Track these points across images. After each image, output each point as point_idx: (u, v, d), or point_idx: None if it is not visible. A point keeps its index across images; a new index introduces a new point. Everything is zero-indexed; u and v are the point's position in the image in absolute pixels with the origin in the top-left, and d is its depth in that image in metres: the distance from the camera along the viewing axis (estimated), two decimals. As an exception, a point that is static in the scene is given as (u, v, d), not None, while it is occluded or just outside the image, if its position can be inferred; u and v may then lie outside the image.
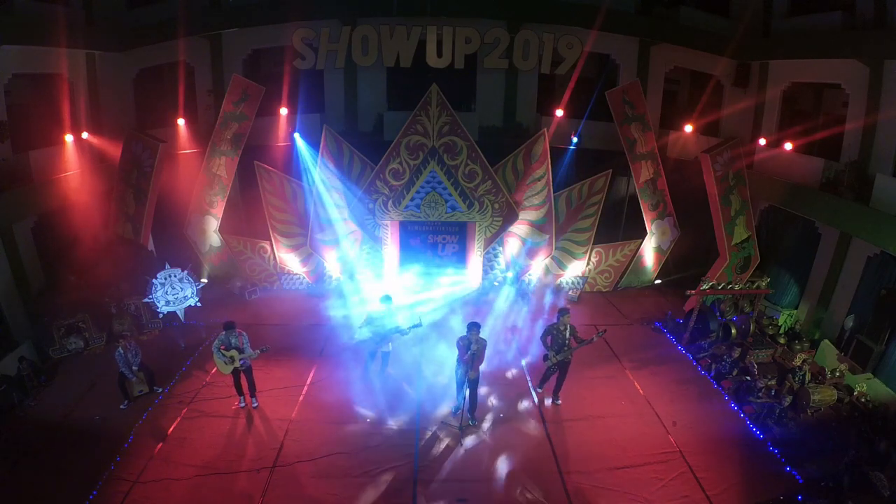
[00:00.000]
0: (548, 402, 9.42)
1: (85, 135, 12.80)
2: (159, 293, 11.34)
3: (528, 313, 12.76)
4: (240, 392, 9.13)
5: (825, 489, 7.39)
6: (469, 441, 8.42)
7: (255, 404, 9.20)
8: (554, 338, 8.92)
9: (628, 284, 14.47)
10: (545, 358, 9.06)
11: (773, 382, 9.72)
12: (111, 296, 11.71)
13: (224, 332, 8.93)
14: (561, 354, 8.89)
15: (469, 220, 13.24)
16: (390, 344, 9.70)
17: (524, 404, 9.45)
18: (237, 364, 8.91)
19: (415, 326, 9.60)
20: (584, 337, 9.01)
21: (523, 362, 10.71)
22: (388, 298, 9.66)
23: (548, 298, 13.53)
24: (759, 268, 13.55)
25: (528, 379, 10.08)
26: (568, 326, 8.91)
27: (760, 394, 9.43)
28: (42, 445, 8.18)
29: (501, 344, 11.21)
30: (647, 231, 13.85)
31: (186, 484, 7.48)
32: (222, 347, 8.89)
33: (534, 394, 9.52)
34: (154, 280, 11.32)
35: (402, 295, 13.13)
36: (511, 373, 10.39)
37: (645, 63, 14.39)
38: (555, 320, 9.06)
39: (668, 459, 8.10)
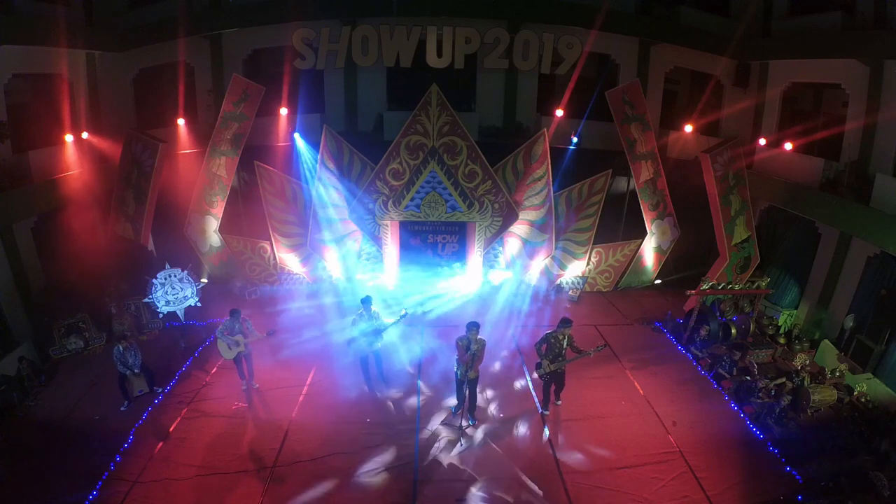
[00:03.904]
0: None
1: (85, 135, 12.80)
2: (159, 293, 11.37)
3: (528, 313, 12.76)
4: (241, 376, 9.64)
5: (825, 489, 7.39)
6: (469, 441, 8.41)
7: (255, 385, 9.70)
8: (550, 346, 8.76)
9: (628, 284, 14.47)
10: (537, 367, 8.91)
11: (772, 383, 9.71)
12: (111, 296, 11.71)
13: (229, 319, 9.26)
14: (555, 364, 8.72)
15: (469, 220, 13.24)
16: (379, 343, 9.64)
17: (524, 404, 9.44)
18: (242, 348, 9.28)
19: (402, 317, 9.54)
20: (582, 348, 8.83)
21: (520, 356, 10.73)
22: (367, 300, 9.55)
23: (547, 298, 13.56)
24: (759, 268, 13.55)
25: (530, 381, 10.08)
26: (567, 337, 8.74)
27: (760, 394, 9.43)
28: (42, 445, 8.19)
29: (501, 344, 11.20)
30: (647, 231, 13.85)
31: (186, 484, 7.48)
32: (226, 332, 9.17)
33: (538, 405, 9.35)
34: (154, 280, 11.35)
35: (402, 295, 13.21)
36: (510, 373, 10.38)
37: (645, 63, 14.38)
38: (555, 329, 8.88)
39: (668, 459, 8.10)
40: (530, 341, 11.14)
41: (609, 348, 10.82)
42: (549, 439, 8.52)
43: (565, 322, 8.76)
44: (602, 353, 9.30)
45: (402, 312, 9.57)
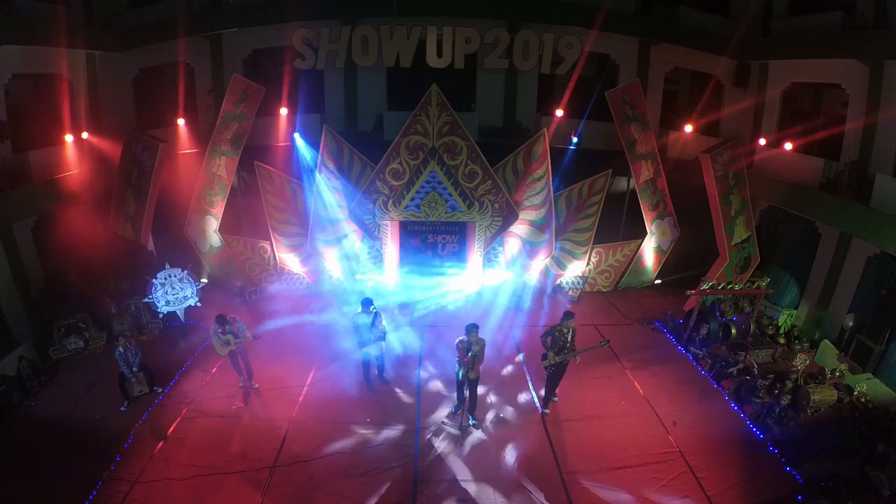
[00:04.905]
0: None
1: (85, 135, 12.81)
2: (159, 293, 11.37)
3: (528, 313, 12.76)
4: (239, 373, 9.71)
5: (825, 489, 7.39)
6: (469, 441, 8.42)
7: (255, 385, 9.74)
8: (555, 339, 8.84)
9: (628, 284, 14.47)
10: (543, 357, 9.00)
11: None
12: (111, 296, 11.71)
13: (216, 323, 9.33)
14: (560, 356, 8.82)
15: (469, 220, 13.23)
16: (383, 344, 9.66)
17: (524, 404, 9.45)
18: (233, 346, 9.36)
19: (379, 339, 9.56)
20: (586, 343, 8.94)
21: (519, 356, 10.73)
22: (368, 303, 9.56)
23: (547, 298, 13.56)
24: (759, 268, 13.55)
25: (530, 381, 10.08)
26: (571, 330, 8.84)
27: (761, 393, 9.43)
28: (42, 445, 8.18)
29: (501, 344, 11.20)
30: (647, 231, 13.84)
31: (186, 484, 7.48)
32: (219, 331, 9.26)
33: (538, 405, 9.36)
34: (154, 280, 11.35)
35: (402, 295, 13.20)
36: (510, 372, 10.39)
37: (645, 63, 14.38)
38: (559, 322, 8.95)
39: (668, 459, 8.10)
40: (530, 341, 11.15)
41: (609, 348, 10.81)
42: (549, 439, 8.51)
43: (568, 315, 8.85)
44: (602, 353, 9.35)
45: (381, 335, 9.57)
